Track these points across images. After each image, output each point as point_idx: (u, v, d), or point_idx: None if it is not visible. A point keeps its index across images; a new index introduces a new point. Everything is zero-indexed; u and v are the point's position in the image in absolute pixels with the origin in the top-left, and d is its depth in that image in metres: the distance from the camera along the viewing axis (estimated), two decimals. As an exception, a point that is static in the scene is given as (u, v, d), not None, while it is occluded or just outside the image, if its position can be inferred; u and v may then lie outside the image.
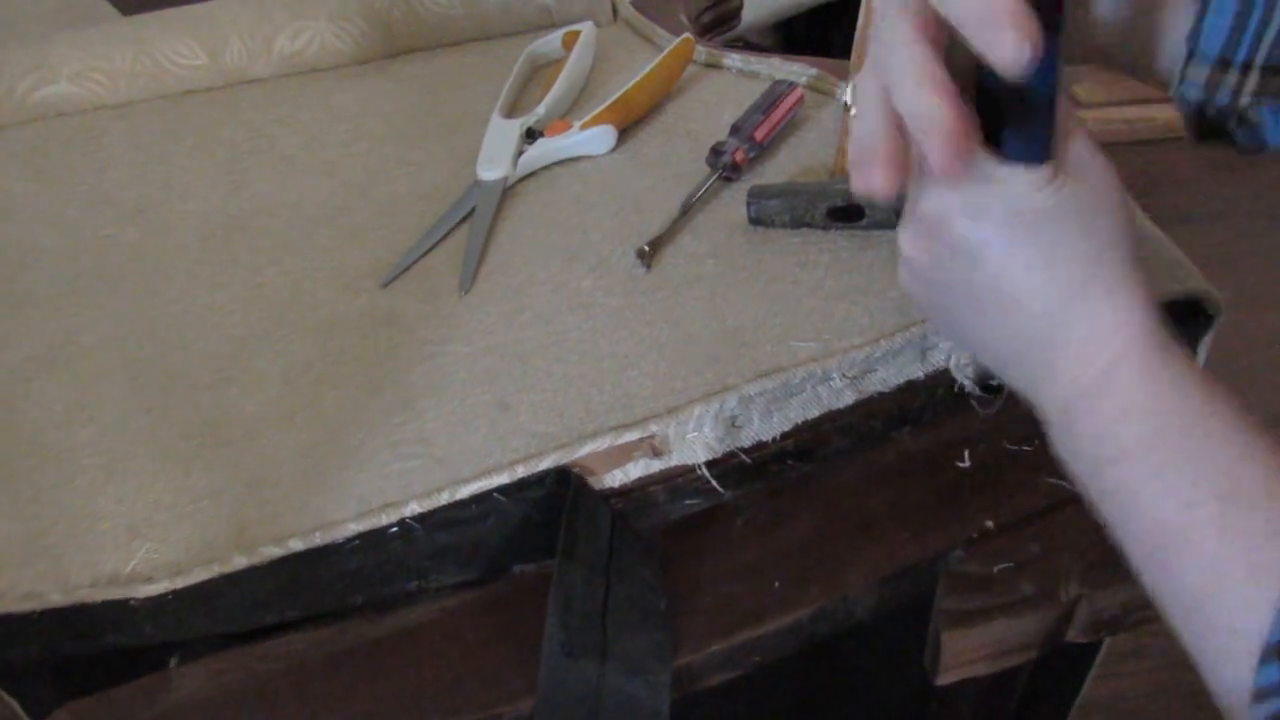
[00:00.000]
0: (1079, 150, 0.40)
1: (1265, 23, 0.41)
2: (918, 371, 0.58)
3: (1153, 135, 1.77)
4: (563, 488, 0.53)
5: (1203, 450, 0.38)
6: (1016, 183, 0.39)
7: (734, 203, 0.67)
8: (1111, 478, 0.39)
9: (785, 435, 0.56)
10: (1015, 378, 0.44)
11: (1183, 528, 0.37)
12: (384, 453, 0.54)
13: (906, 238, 0.43)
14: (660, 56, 0.77)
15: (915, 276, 0.44)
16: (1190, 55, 0.42)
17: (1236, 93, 0.42)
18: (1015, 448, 0.58)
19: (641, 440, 0.54)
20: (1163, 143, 1.77)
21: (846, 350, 0.56)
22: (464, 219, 0.68)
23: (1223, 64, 0.42)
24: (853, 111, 0.42)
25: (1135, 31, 0.44)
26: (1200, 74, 0.42)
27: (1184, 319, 0.61)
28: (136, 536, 0.52)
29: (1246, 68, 0.42)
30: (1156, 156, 1.83)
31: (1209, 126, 0.45)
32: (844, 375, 0.56)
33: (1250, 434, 0.38)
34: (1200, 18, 0.41)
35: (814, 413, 0.57)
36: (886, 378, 0.58)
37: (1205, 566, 0.36)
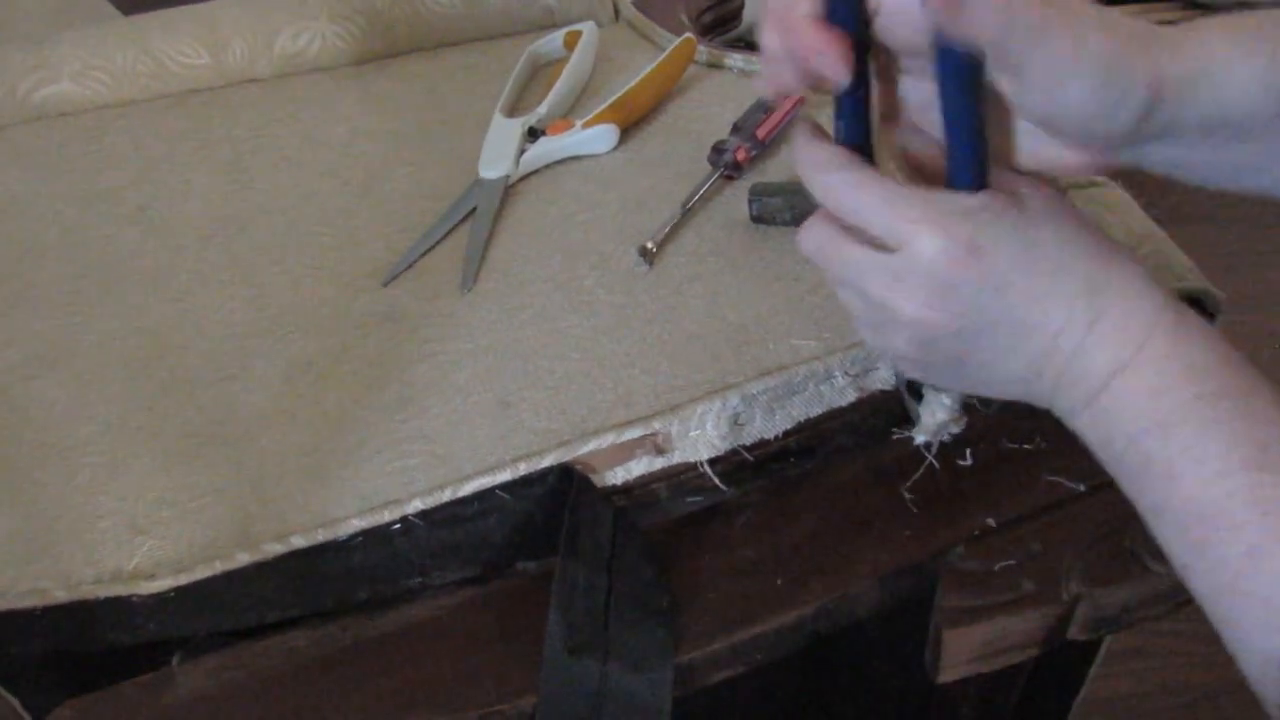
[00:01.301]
0: (1011, 175, 0.41)
1: None
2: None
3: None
4: (565, 485, 0.53)
5: (1236, 420, 0.38)
6: (995, 206, 0.40)
7: (736, 201, 0.67)
8: (1147, 450, 0.40)
9: (787, 433, 0.56)
10: (1031, 393, 0.43)
11: (1217, 502, 0.38)
12: (386, 450, 0.54)
13: (915, 303, 0.41)
14: (662, 56, 0.77)
15: (928, 339, 0.42)
16: None
17: None
18: (1016, 446, 0.59)
19: (644, 438, 0.54)
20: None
21: (848, 348, 0.56)
22: (465, 218, 0.69)
23: None
24: None
25: None
26: None
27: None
28: (139, 533, 0.52)
29: None
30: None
31: None
32: (846, 373, 0.57)
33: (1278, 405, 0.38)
34: None
35: (816, 410, 0.57)
36: (888, 376, 0.58)
37: (1240, 541, 0.37)
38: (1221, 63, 0.38)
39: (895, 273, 0.41)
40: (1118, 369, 0.40)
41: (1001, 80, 0.39)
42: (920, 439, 0.56)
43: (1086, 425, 0.42)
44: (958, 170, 0.41)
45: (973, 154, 0.41)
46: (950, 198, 0.40)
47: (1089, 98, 0.37)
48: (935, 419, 0.55)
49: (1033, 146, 0.42)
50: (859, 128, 0.42)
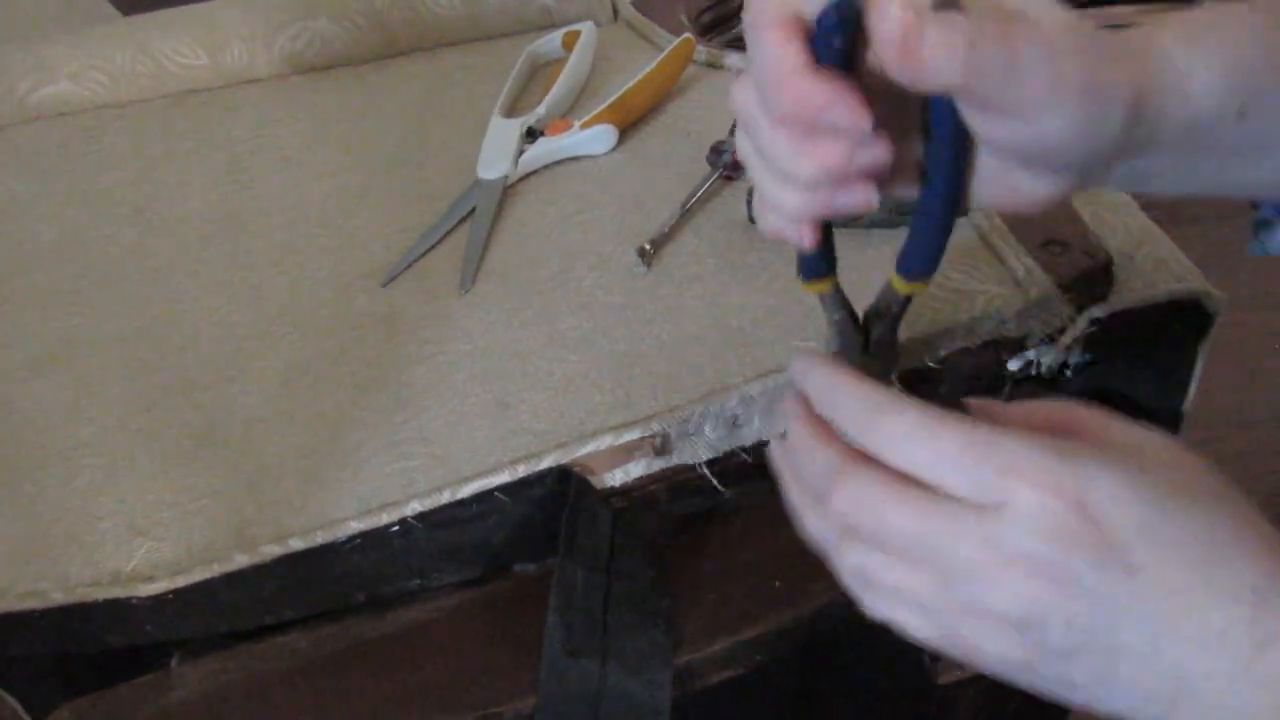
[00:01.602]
0: (1066, 406, 0.37)
1: None
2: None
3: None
4: (563, 487, 0.53)
5: None
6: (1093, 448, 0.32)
7: (734, 201, 0.67)
8: None
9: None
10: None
11: None
12: (384, 452, 0.54)
13: (1016, 585, 0.33)
14: (660, 56, 0.77)
15: (1036, 631, 0.33)
16: None
17: None
18: (1016, 446, 0.58)
19: (642, 439, 0.54)
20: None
21: (847, 349, 0.56)
22: (464, 218, 0.68)
23: None
24: None
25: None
26: None
27: (1184, 319, 0.61)
28: (137, 535, 0.52)
29: None
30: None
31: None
32: (844, 374, 0.56)
33: None
34: None
35: (814, 412, 0.57)
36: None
37: None
38: (1185, 73, 0.36)
39: (988, 536, 0.33)
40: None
41: (969, 114, 0.36)
42: None
43: None
44: (917, 250, 0.41)
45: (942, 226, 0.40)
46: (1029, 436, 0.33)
47: (1068, 126, 0.34)
48: None
49: (992, 178, 0.38)
50: (822, 263, 0.45)
